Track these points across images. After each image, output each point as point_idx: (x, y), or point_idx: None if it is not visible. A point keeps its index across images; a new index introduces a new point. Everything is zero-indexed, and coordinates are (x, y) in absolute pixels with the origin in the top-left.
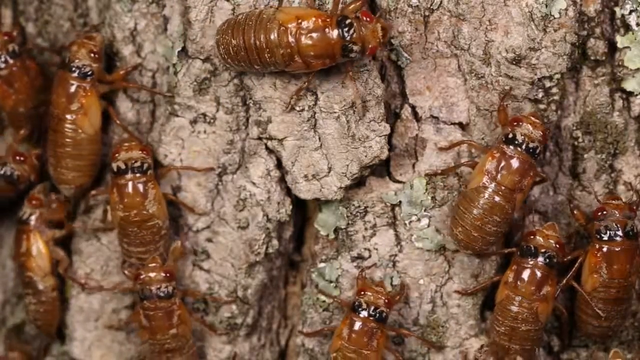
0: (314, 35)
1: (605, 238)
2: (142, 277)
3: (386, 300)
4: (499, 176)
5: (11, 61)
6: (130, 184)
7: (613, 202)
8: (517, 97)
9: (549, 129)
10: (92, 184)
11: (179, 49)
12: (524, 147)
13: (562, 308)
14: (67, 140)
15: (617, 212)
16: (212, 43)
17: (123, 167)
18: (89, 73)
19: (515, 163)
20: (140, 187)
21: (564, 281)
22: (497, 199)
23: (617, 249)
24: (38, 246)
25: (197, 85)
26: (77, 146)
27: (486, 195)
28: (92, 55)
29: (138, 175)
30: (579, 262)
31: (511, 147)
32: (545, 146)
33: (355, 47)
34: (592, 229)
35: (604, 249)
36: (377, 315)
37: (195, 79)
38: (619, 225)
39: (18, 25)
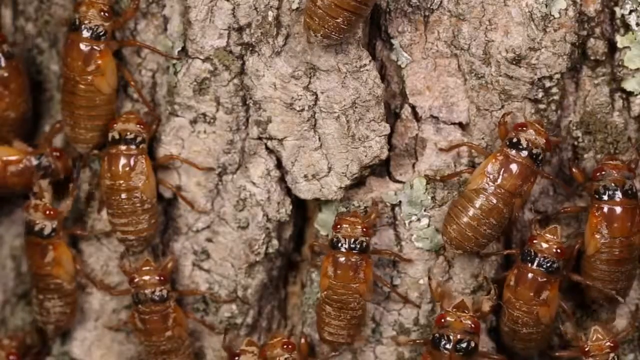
0: None
1: (605, 198)
2: (135, 280)
3: (364, 229)
4: (499, 179)
5: (4, 63)
6: (120, 154)
7: (611, 162)
8: (517, 97)
9: (554, 138)
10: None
11: (179, 49)
12: (527, 152)
13: (568, 311)
14: (85, 102)
15: (615, 172)
16: (211, 43)
17: (117, 137)
18: (102, 33)
19: (517, 167)
20: (130, 158)
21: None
22: (495, 201)
23: (616, 208)
24: (66, 254)
25: (197, 85)
26: (95, 107)
27: (485, 197)
28: (103, 14)
29: (130, 147)
30: (576, 248)
31: (514, 151)
32: (547, 154)
33: None
34: (592, 190)
35: (604, 209)
36: (358, 246)
37: (195, 79)
38: (617, 185)
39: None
